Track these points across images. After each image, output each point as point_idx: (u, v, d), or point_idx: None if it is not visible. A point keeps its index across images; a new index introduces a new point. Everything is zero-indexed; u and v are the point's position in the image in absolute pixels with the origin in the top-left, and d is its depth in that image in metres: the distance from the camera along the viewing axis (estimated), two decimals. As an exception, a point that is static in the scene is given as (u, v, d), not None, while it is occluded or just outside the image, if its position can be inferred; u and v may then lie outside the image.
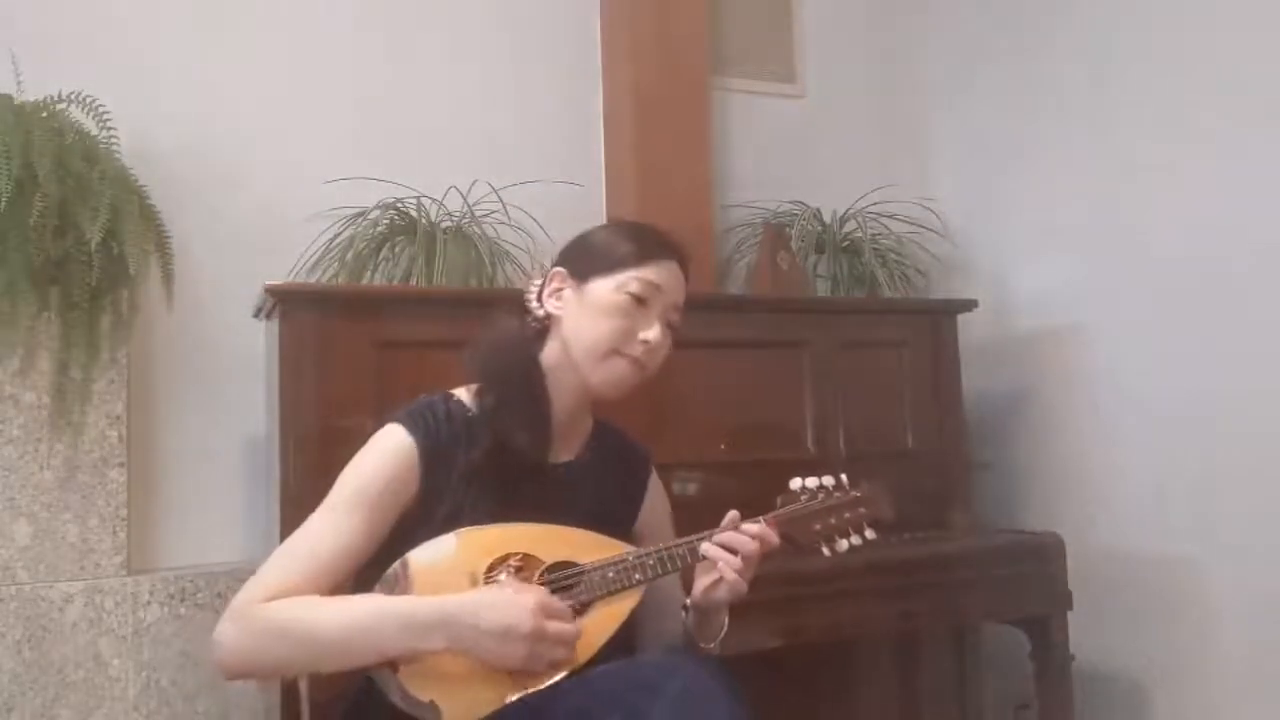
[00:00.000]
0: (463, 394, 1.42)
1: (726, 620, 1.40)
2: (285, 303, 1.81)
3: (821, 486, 1.44)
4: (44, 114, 1.90)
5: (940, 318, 2.33)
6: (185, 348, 2.18)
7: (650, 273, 1.40)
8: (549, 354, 1.43)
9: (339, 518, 1.29)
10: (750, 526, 1.36)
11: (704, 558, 1.35)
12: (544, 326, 1.44)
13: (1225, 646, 2.11)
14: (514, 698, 1.22)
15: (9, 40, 2.00)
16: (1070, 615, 2.07)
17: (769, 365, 2.17)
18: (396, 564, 1.27)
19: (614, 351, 1.39)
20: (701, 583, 1.37)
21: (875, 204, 2.66)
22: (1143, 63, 2.29)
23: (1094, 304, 2.38)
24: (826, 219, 2.65)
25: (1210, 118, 2.15)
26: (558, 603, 1.25)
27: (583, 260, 1.44)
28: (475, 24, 2.53)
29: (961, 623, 2.36)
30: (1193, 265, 2.17)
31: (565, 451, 1.45)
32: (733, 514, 1.37)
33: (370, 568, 1.30)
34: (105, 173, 1.88)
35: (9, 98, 1.91)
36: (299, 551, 1.28)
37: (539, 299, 1.45)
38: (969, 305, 2.38)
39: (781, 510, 1.41)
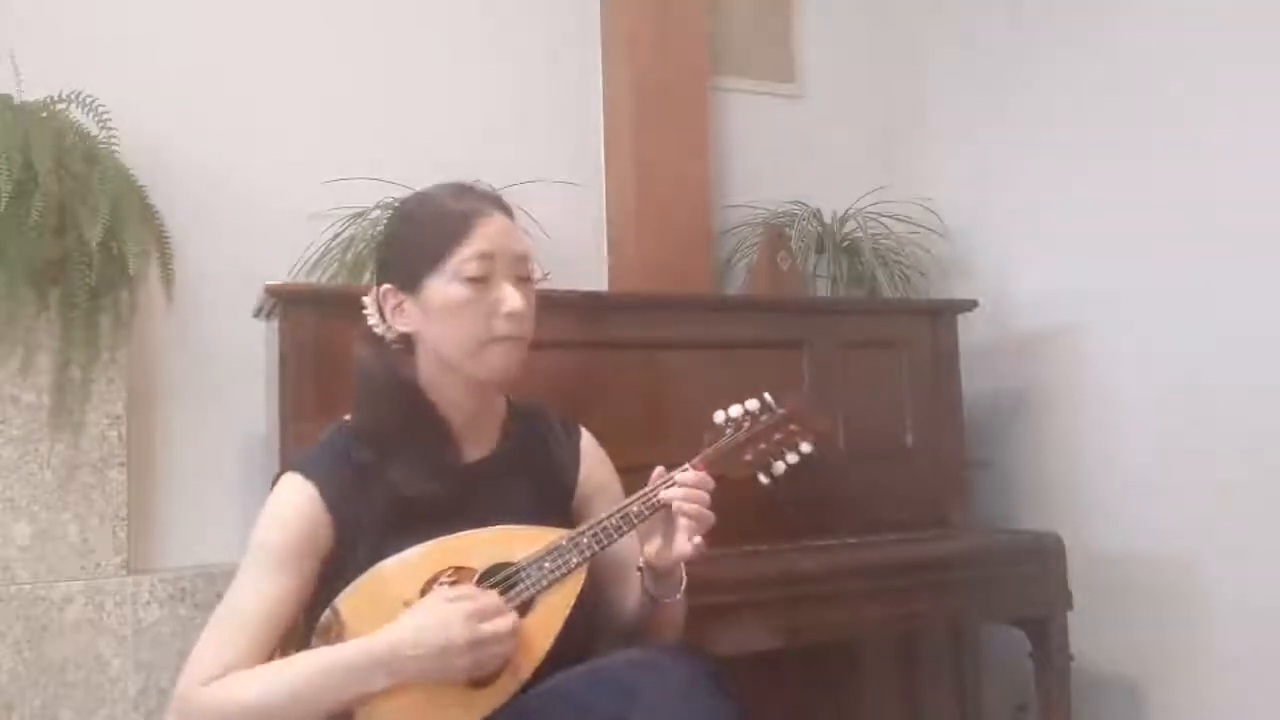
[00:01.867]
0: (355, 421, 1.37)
1: (684, 573, 1.36)
2: (285, 303, 1.81)
3: (746, 413, 1.39)
4: (44, 114, 1.90)
5: (940, 318, 2.33)
6: (185, 348, 2.19)
7: (475, 244, 1.30)
8: (425, 368, 1.36)
9: (260, 581, 1.25)
10: (685, 475, 1.32)
11: (650, 512, 1.31)
12: (407, 344, 1.36)
13: (1224, 647, 2.11)
14: (482, 716, 1.21)
15: (9, 40, 2.00)
16: (1070, 615, 2.06)
17: (769, 365, 2.16)
18: (328, 611, 1.24)
19: (485, 342, 1.31)
20: (653, 544, 1.33)
21: (875, 204, 2.66)
22: (1142, 63, 2.29)
23: (1094, 304, 2.38)
24: (826, 219, 2.65)
25: (1210, 118, 2.15)
26: (486, 599, 1.21)
27: (401, 267, 1.34)
28: (475, 24, 2.54)
29: (961, 623, 2.36)
30: (1192, 265, 2.17)
31: (480, 447, 1.39)
32: (658, 469, 1.34)
33: (307, 615, 1.27)
34: (105, 173, 1.88)
35: (9, 98, 1.91)
36: (227, 623, 1.24)
37: (383, 320, 1.37)
38: (969, 305, 2.38)
39: (709, 449, 1.37)
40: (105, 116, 1.94)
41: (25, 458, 1.91)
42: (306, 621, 1.27)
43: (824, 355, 2.20)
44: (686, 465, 1.35)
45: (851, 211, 2.65)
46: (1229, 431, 2.10)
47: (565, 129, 2.58)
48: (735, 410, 1.39)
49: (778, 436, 1.39)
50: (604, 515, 1.32)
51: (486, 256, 1.30)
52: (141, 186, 1.98)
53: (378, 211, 2.25)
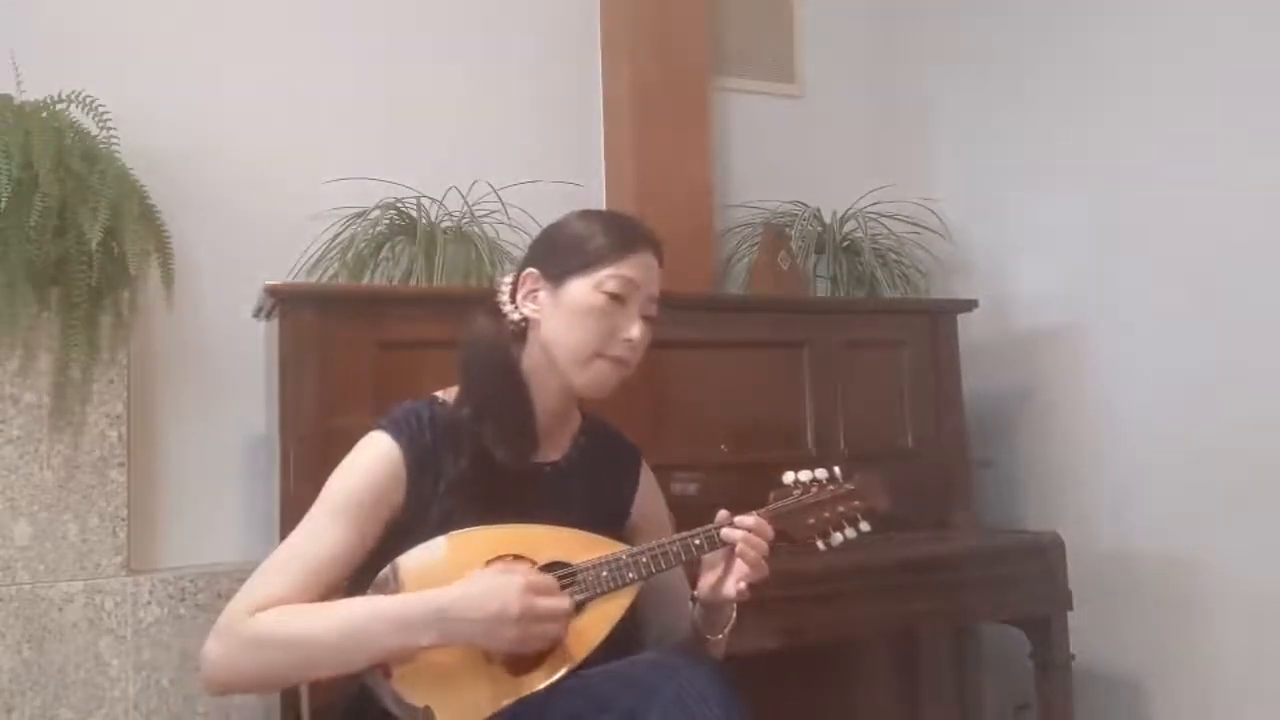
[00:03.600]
0: (448, 396, 1.40)
1: (734, 613, 1.39)
2: (285, 303, 1.81)
3: (815, 479, 1.43)
4: (44, 114, 1.89)
5: (940, 318, 2.33)
6: (185, 348, 2.19)
7: (627, 268, 1.37)
8: (529, 357, 1.41)
9: (325, 527, 1.28)
10: (745, 519, 1.35)
11: (698, 554, 1.33)
12: (521, 329, 1.41)
13: (1225, 646, 2.11)
14: (509, 702, 1.22)
15: (9, 40, 2.00)
16: (1070, 615, 2.07)
17: (769, 365, 2.17)
18: (387, 568, 1.25)
19: (597, 354, 1.36)
20: (707, 579, 1.36)
21: (875, 204, 2.66)
22: (1142, 62, 2.29)
23: (1094, 304, 2.38)
24: (826, 219, 2.65)
25: (1210, 118, 2.15)
26: (546, 579, 1.24)
27: (554, 259, 1.40)
28: (475, 24, 2.53)
29: (961, 623, 2.36)
30: (1192, 265, 2.17)
31: (553, 450, 1.44)
32: (723, 513, 1.36)
33: (361, 575, 1.29)
34: (105, 173, 1.88)
35: (9, 98, 1.91)
36: (285, 564, 1.27)
37: (513, 300, 1.42)
38: (969, 305, 2.38)
39: (774, 505, 1.40)
40: (105, 116, 1.94)
41: (25, 458, 1.91)
42: (359, 580, 1.28)
43: (824, 355, 2.20)
44: (753, 513, 1.37)
45: (851, 211, 2.65)
46: (1229, 431, 2.10)
47: (565, 129, 2.58)
48: (805, 475, 1.43)
49: (841, 509, 1.42)
50: (666, 540, 1.34)
51: (631, 282, 1.37)
52: (141, 186, 1.98)
53: (378, 211, 2.25)
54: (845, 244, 2.63)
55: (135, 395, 2.06)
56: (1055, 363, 2.47)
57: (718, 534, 1.35)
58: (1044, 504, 2.47)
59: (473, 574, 1.23)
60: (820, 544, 1.41)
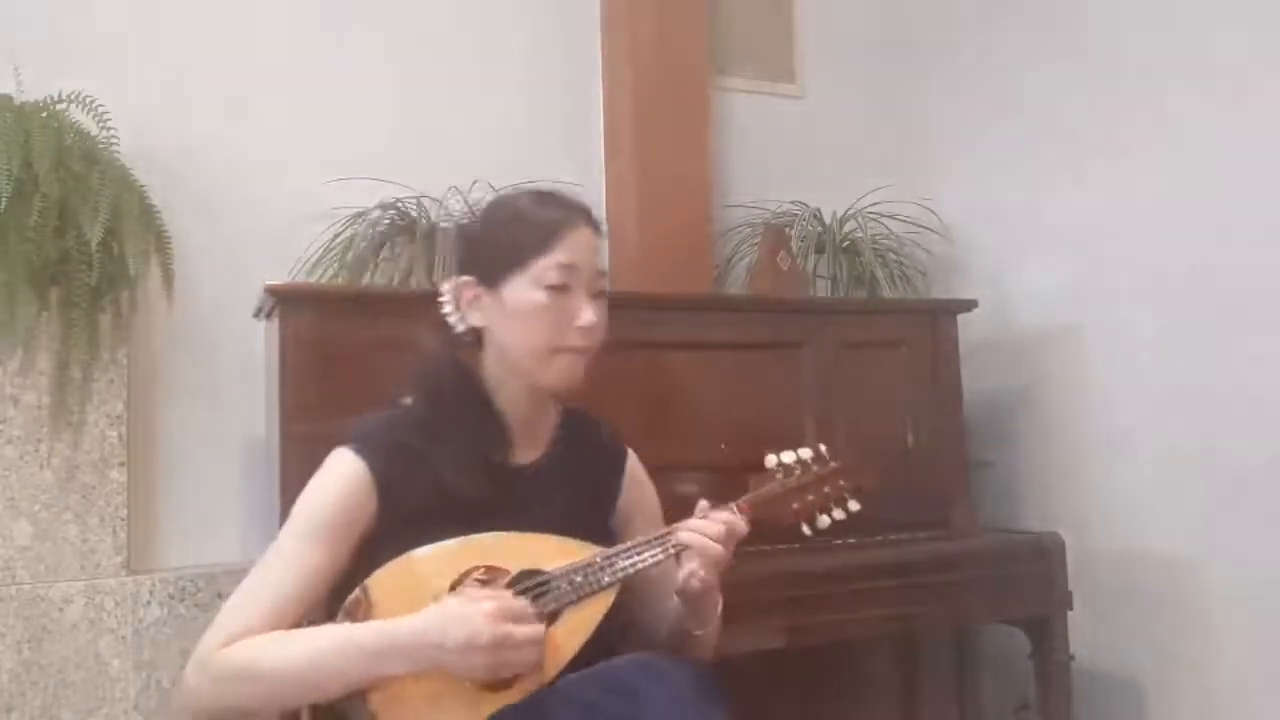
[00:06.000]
0: (414, 404, 1.37)
1: (719, 605, 1.36)
2: (285, 303, 1.81)
3: (799, 460, 1.39)
4: (44, 114, 1.90)
5: (940, 318, 2.33)
6: (185, 348, 2.19)
7: (561, 254, 1.31)
8: (490, 363, 1.36)
9: (295, 550, 1.26)
10: (719, 514, 1.32)
11: (675, 549, 1.31)
12: (475, 338, 1.37)
13: (1225, 646, 2.11)
14: (487, 716, 1.20)
15: (9, 40, 2.00)
16: (1070, 615, 2.07)
17: (769, 365, 2.17)
18: (357, 590, 1.23)
19: (555, 350, 1.32)
20: (680, 573, 1.33)
21: (875, 204, 2.66)
22: (1142, 63, 2.29)
23: (1094, 304, 2.38)
24: (826, 219, 2.65)
25: (1209, 118, 2.15)
26: (517, 604, 1.20)
27: (484, 262, 1.35)
28: (475, 24, 2.53)
29: (961, 623, 2.36)
30: (1191, 265, 2.17)
31: (530, 451, 1.40)
32: (702, 504, 1.34)
33: (335, 592, 1.27)
34: (105, 173, 1.88)
35: (9, 98, 1.91)
36: (257, 589, 1.25)
37: (457, 310, 1.36)
38: (969, 305, 2.38)
39: (756, 493, 1.36)
40: (105, 116, 1.94)
41: (25, 458, 1.91)
42: (334, 598, 1.27)
43: (824, 355, 2.20)
44: (732, 504, 1.34)
45: (851, 211, 2.65)
46: (1229, 431, 2.10)
47: (565, 129, 2.58)
48: (788, 456, 1.38)
49: (826, 490, 1.39)
50: (641, 539, 1.32)
51: (570, 268, 1.31)
52: (141, 186, 1.98)
53: (378, 211, 2.25)
54: (845, 244, 2.63)
55: (135, 395, 2.06)
56: (1055, 363, 2.47)
57: (673, 545, 1.31)
58: (1044, 504, 2.47)
59: (445, 599, 1.21)
60: (807, 528, 1.37)
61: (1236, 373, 2.09)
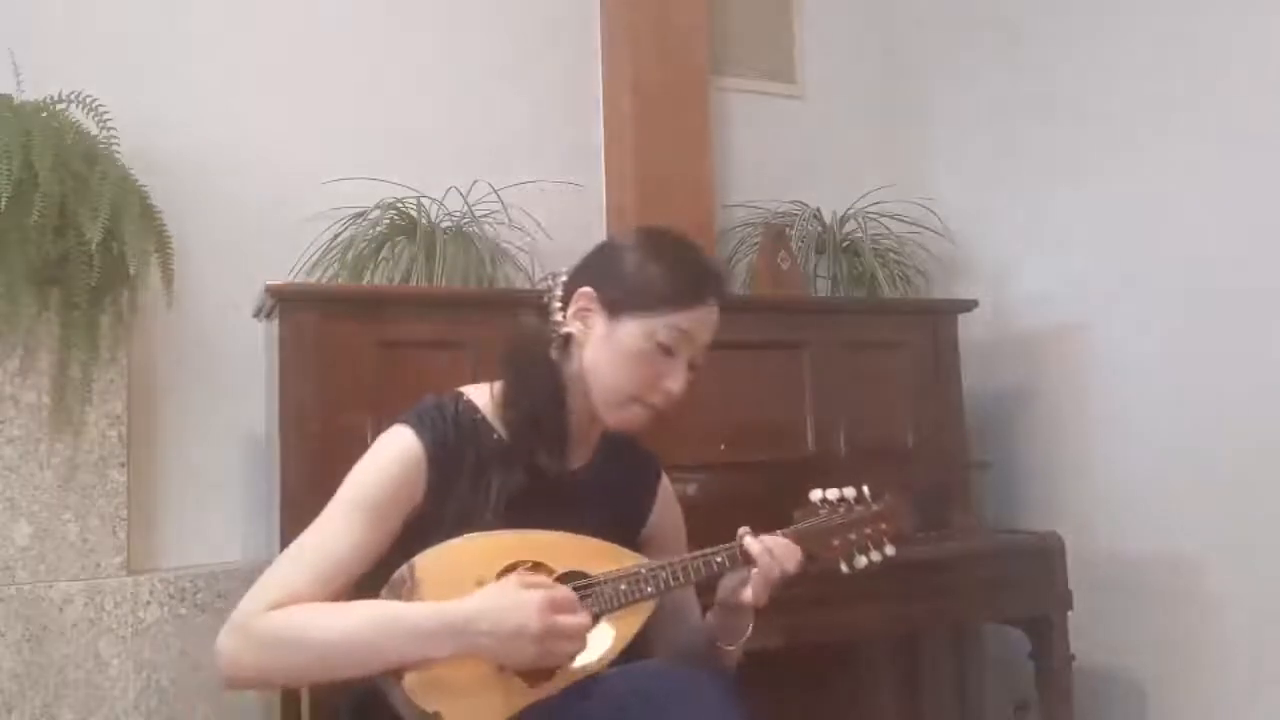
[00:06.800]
0: (473, 393, 1.38)
1: (751, 624, 1.38)
2: (285, 303, 1.81)
3: (842, 499, 1.40)
4: (44, 114, 1.89)
5: (940, 318, 2.33)
6: (185, 348, 2.19)
7: (686, 321, 1.33)
8: (569, 368, 1.37)
9: (345, 521, 1.26)
10: (770, 538, 1.34)
11: (719, 570, 1.32)
12: (566, 337, 1.38)
13: (1225, 646, 2.11)
14: (519, 710, 1.21)
15: (9, 40, 2.00)
16: (1070, 615, 2.07)
17: (769, 365, 2.17)
18: (404, 567, 1.23)
19: (634, 399, 1.34)
20: (728, 582, 1.34)
21: (875, 204, 2.66)
22: (1142, 63, 2.29)
23: (1094, 304, 2.38)
24: (826, 219, 2.65)
25: (1209, 117, 2.15)
26: (566, 594, 1.21)
27: (614, 288, 1.35)
28: (475, 24, 2.54)
29: (961, 623, 2.36)
30: (1192, 265, 2.17)
31: (578, 458, 1.42)
32: (744, 529, 1.35)
33: (378, 568, 1.27)
34: (105, 173, 1.88)
35: (9, 98, 1.91)
36: (304, 557, 1.25)
37: (564, 309, 1.38)
38: (969, 305, 2.38)
39: (799, 524, 1.38)
40: (105, 116, 1.94)
41: (25, 458, 1.91)
42: (378, 573, 1.27)
43: (824, 355, 2.20)
44: (777, 532, 1.35)
45: (851, 211, 2.65)
46: (1229, 431, 2.10)
47: (566, 129, 2.58)
48: (833, 494, 1.40)
49: (867, 531, 1.40)
50: (687, 556, 1.33)
51: (687, 336, 1.33)
52: (141, 186, 1.98)
53: (377, 211, 2.25)
54: (845, 244, 2.63)
55: (135, 395, 2.06)
56: (1055, 363, 2.47)
57: (740, 551, 1.33)
58: (1044, 504, 2.47)
59: (493, 585, 1.21)
60: (845, 567, 1.39)
61: (1236, 372, 2.08)
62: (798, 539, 1.36)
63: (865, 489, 1.42)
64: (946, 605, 2.01)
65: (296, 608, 1.20)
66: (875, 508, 1.41)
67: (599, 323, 1.35)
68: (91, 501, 1.95)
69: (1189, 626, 2.17)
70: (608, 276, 1.37)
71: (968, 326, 2.37)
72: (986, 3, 2.72)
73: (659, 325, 1.32)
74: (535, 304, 1.42)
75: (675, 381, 1.34)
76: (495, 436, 1.34)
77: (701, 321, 1.35)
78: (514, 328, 1.41)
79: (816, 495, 1.40)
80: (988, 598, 2.05)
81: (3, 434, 1.89)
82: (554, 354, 1.38)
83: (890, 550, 1.41)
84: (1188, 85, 2.19)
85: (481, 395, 1.38)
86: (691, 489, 1.96)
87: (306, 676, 1.28)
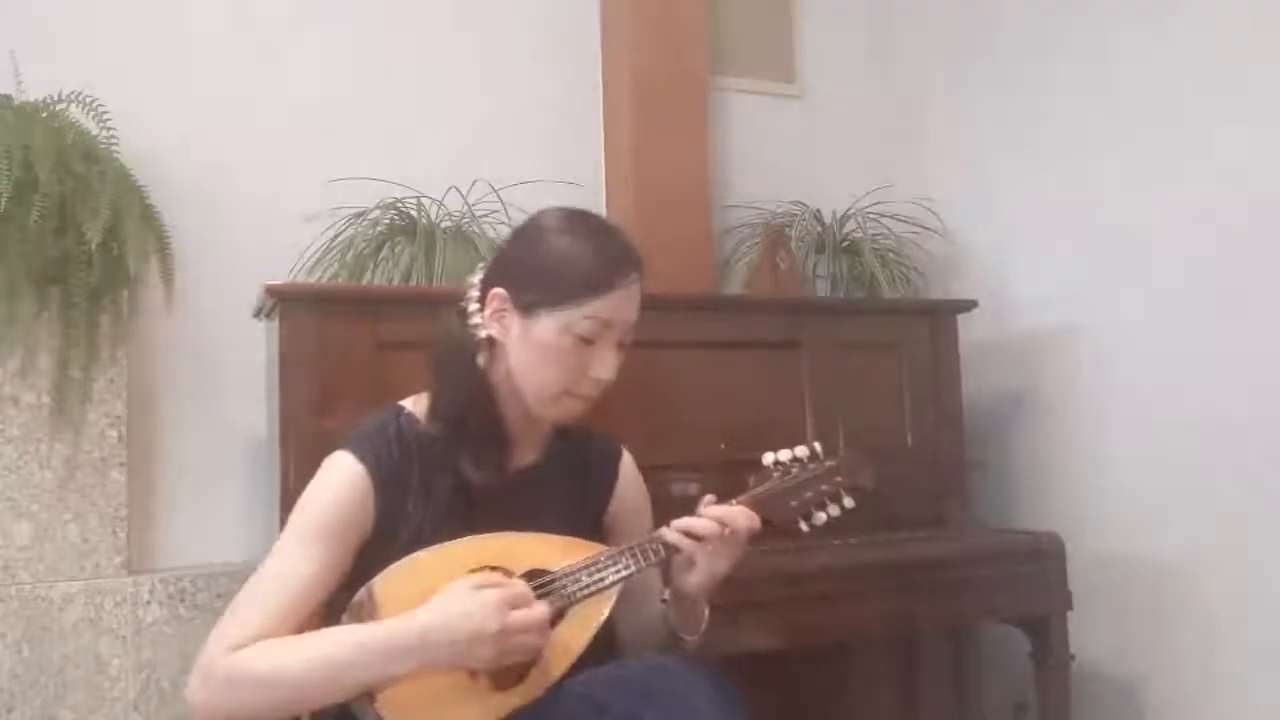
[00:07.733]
0: (413, 405, 1.37)
1: (707, 612, 1.37)
2: (285, 303, 1.81)
3: (795, 459, 1.39)
4: (44, 114, 1.90)
5: (940, 318, 2.33)
6: (185, 347, 2.19)
7: (603, 308, 1.29)
8: (497, 373, 1.35)
9: (298, 554, 1.25)
10: (715, 509, 1.32)
11: (674, 551, 1.31)
12: (489, 340, 1.35)
13: (1225, 646, 2.11)
14: (499, 717, 1.21)
15: (9, 40, 2.00)
16: (1070, 615, 2.07)
17: (769, 365, 2.17)
18: (362, 590, 1.23)
19: (564, 393, 1.32)
20: (676, 573, 1.33)
21: (875, 204, 2.66)
22: (1142, 63, 2.29)
23: (1093, 304, 2.38)
24: (826, 219, 2.65)
25: (1209, 117, 2.15)
26: (520, 590, 1.21)
27: (525, 285, 1.32)
28: (475, 23, 2.54)
29: (961, 623, 2.36)
30: (1191, 266, 2.17)
31: (526, 454, 1.40)
32: (707, 497, 1.34)
33: (335, 597, 1.27)
34: (105, 173, 1.88)
35: (9, 98, 1.91)
36: (259, 597, 1.24)
37: (480, 313, 1.35)
38: (969, 305, 2.38)
39: (755, 490, 1.37)
40: (105, 116, 1.94)
41: (25, 458, 1.91)
42: (338, 600, 1.27)
43: (824, 355, 2.20)
44: (733, 500, 1.35)
45: (851, 211, 2.65)
46: (1228, 431, 2.10)
47: (565, 129, 2.58)
48: (785, 455, 1.39)
49: (824, 487, 1.39)
50: (645, 539, 1.32)
51: (604, 323, 1.30)
52: (141, 186, 1.98)
53: (377, 211, 2.25)
54: (845, 244, 2.63)
55: (135, 395, 2.07)
56: (1054, 363, 2.47)
57: (662, 544, 1.31)
58: (1042, 504, 2.47)
59: (444, 592, 1.20)
60: (804, 525, 1.38)
61: (1235, 373, 2.08)
62: (754, 504, 1.34)
63: (817, 445, 1.41)
64: (946, 605, 2.01)
65: (260, 645, 1.20)
66: (829, 463, 1.40)
67: (515, 323, 1.32)
68: (91, 501, 1.95)
69: (1188, 626, 2.17)
70: (517, 274, 1.34)
71: (967, 326, 2.37)
72: (986, 4, 2.72)
73: (575, 318, 1.29)
74: (459, 315, 1.38)
75: (603, 368, 1.32)
76: (439, 451, 1.33)
77: (619, 305, 1.31)
78: (436, 333, 1.38)
79: (769, 458, 1.39)
80: (987, 598, 2.04)
81: (3, 434, 1.90)
82: (481, 358, 1.35)
83: (849, 502, 1.40)
84: (1188, 85, 2.19)
85: (421, 405, 1.37)
86: (692, 489, 1.96)
87: (281, 711, 1.24)
